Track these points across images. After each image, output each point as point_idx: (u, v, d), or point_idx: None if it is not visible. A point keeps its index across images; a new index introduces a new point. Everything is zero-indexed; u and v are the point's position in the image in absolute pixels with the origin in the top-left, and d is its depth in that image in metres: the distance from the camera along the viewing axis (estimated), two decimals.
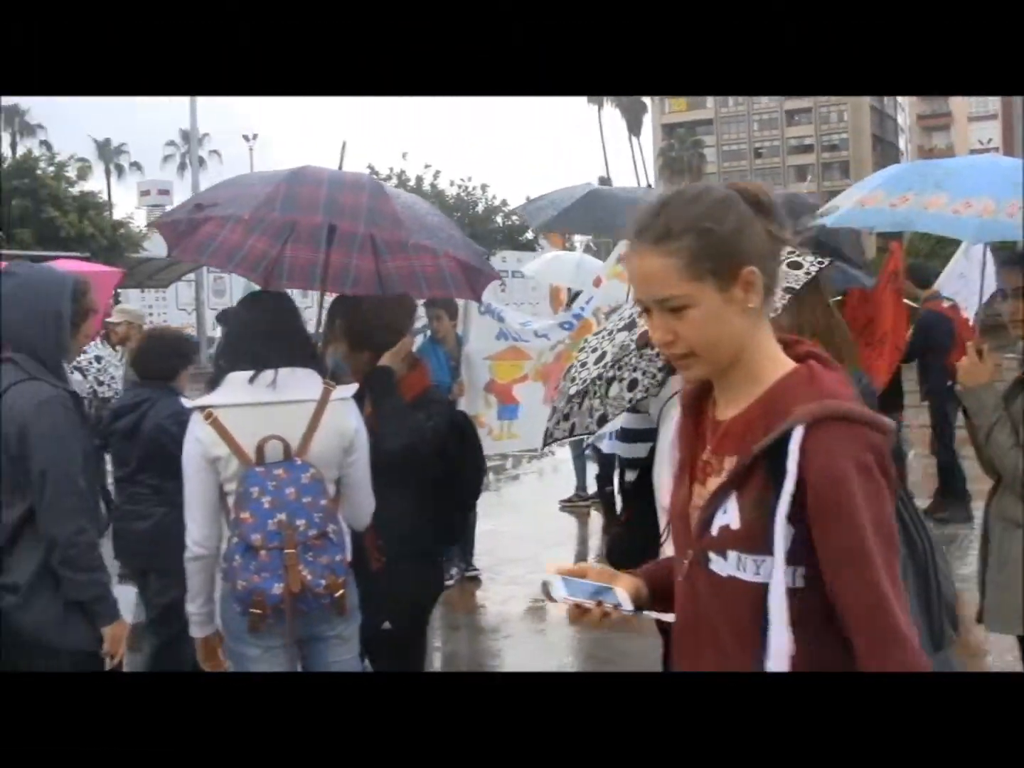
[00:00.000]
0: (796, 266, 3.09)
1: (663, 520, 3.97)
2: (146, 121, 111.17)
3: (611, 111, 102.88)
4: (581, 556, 9.52)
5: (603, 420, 4.08)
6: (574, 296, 9.34)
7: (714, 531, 1.95)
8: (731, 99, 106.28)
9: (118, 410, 5.57)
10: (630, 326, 3.84)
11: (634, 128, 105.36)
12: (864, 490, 1.83)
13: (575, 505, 11.40)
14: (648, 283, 1.96)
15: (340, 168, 4.43)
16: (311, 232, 4.53)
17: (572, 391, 3.97)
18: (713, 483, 2.00)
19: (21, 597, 3.56)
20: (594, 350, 4.00)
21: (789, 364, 2.00)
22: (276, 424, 3.59)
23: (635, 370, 3.84)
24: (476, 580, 8.59)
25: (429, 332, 8.46)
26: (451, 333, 8.09)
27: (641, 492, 4.01)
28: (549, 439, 4.21)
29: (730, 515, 1.93)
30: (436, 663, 6.68)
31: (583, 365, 3.99)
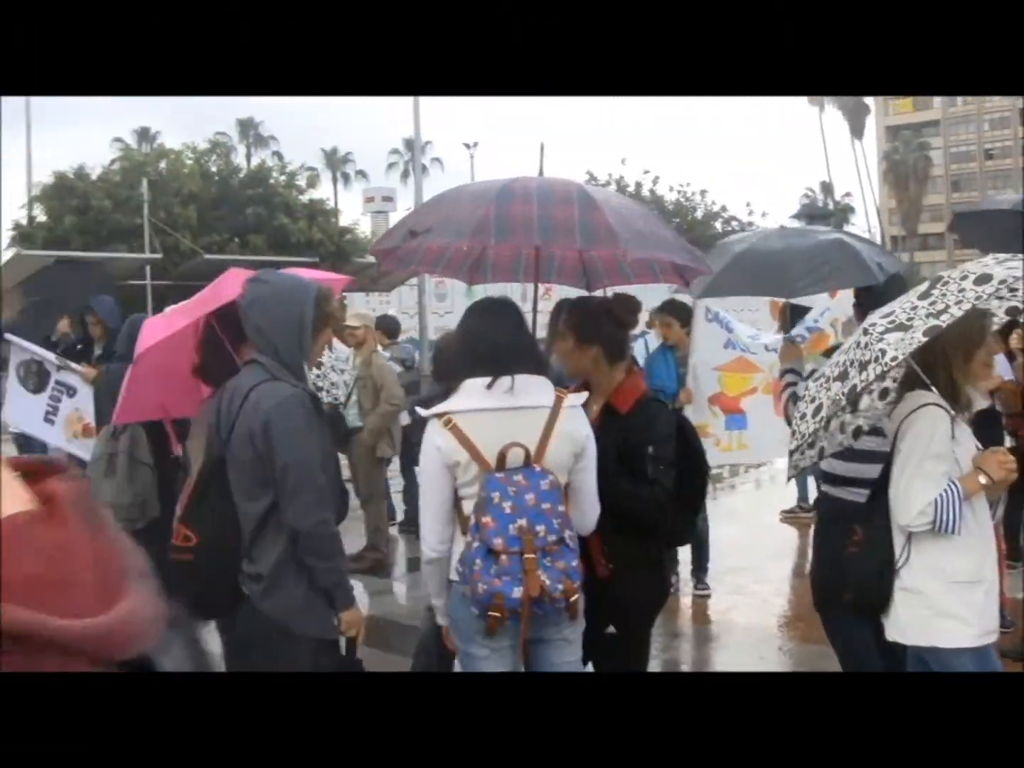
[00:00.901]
0: None
1: (899, 543, 3.89)
2: (371, 130, 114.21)
3: (833, 113, 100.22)
4: (800, 568, 9.33)
5: (858, 432, 4.04)
6: (794, 308, 9.16)
7: None
8: (959, 98, 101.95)
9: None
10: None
11: (856, 130, 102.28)
12: None
13: (796, 517, 11.20)
14: None
15: (541, 171, 4.44)
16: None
17: (815, 414, 3.92)
18: None
19: (265, 585, 3.77)
20: (838, 365, 3.96)
21: None
22: (513, 430, 3.64)
23: (883, 379, 3.80)
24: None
25: (659, 339, 8.43)
26: (683, 340, 8.00)
27: (873, 514, 3.94)
28: (794, 471, 4.18)
29: None
30: (656, 671, 6.65)
31: (824, 386, 3.95)
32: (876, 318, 4.00)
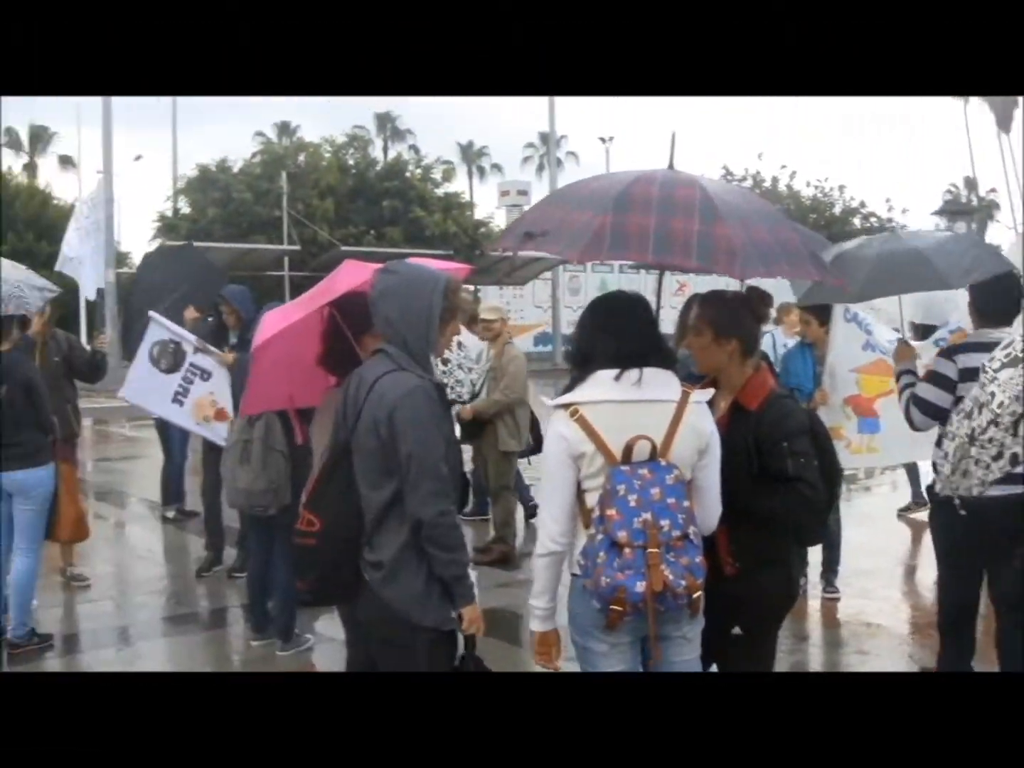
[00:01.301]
0: None
1: None
2: (507, 124, 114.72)
3: (978, 105, 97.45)
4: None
5: (1015, 460, 3.94)
6: (924, 327, 8.93)
7: None
8: None
9: None
10: None
11: (1003, 123, 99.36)
12: None
13: (913, 512, 11.04)
14: None
15: (671, 165, 4.33)
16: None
17: (999, 421, 3.83)
18: None
19: (385, 573, 3.79)
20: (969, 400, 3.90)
21: None
22: (639, 423, 3.60)
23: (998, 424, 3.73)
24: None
25: (787, 335, 8.26)
26: (821, 338, 7.85)
27: None
28: (982, 486, 4.08)
29: None
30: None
31: (993, 395, 3.86)
32: (997, 351, 3.98)
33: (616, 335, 3.72)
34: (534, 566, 3.80)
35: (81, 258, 8.75)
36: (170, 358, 8.57)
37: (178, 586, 9.13)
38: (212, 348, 8.43)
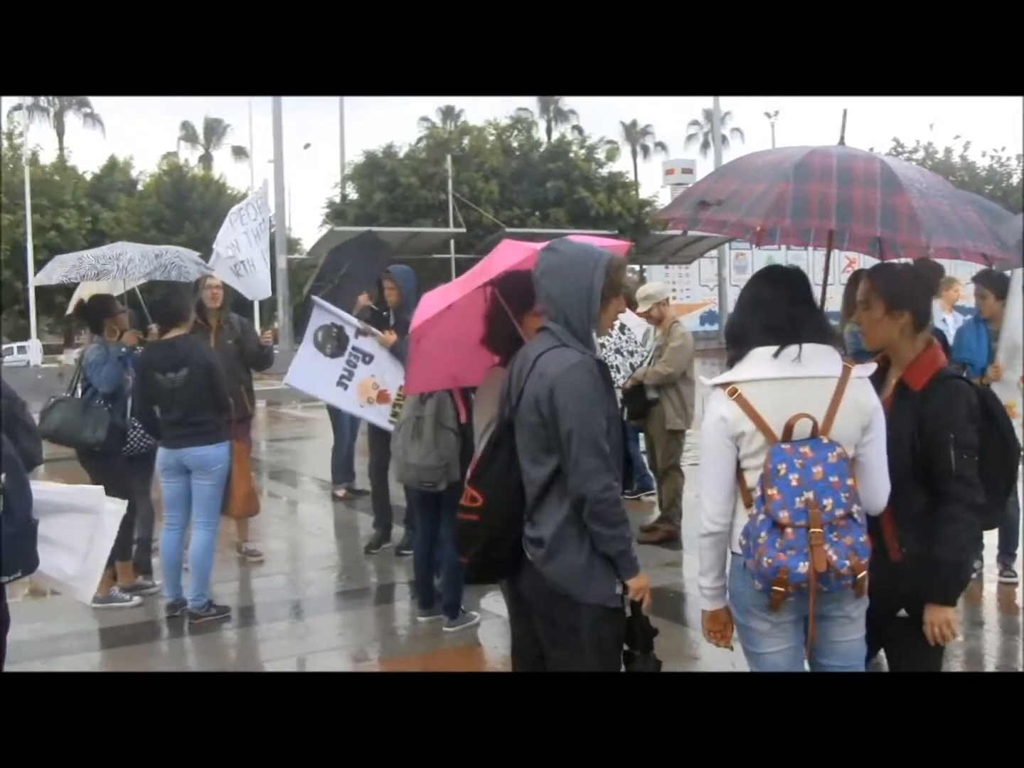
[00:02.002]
0: None
1: None
2: (670, 102, 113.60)
3: None
4: None
5: None
6: None
7: None
8: None
9: None
10: None
11: None
12: None
13: None
14: None
15: (842, 140, 4.23)
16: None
17: None
18: None
19: (547, 550, 3.80)
20: None
21: None
22: (799, 401, 3.53)
23: None
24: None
25: (945, 309, 8.01)
26: (997, 313, 7.56)
27: None
28: None
29: None
30: (956, 663, 6.39)
31: None
32: None
33: (773, 311, 3.65)
34: (699, 545, 3.77)
35: (252, 261, 8.95)
36: (334, 342, 8.74)
37: (348, 562, 9.35)
38: (374, 330, 8.58)
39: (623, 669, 3.92)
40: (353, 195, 39.42)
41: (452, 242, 34.63)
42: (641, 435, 10.46)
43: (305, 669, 6.70)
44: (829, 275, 4.79)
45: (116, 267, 8.06)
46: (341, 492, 11.84)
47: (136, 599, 7.91)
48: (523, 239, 5.32)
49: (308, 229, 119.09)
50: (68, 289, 8.67)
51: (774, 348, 3.57)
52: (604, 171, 41.05)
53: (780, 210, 3.81)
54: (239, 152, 74.62)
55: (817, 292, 3.94)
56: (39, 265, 28.46)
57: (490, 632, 7.09)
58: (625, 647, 3.90)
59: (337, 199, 39.69)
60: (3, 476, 3.52)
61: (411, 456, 6.80)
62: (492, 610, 7.42)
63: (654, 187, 69.35)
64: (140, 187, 48.88)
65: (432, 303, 4.88)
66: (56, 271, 8.29)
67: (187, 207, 43.32)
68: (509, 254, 4.56)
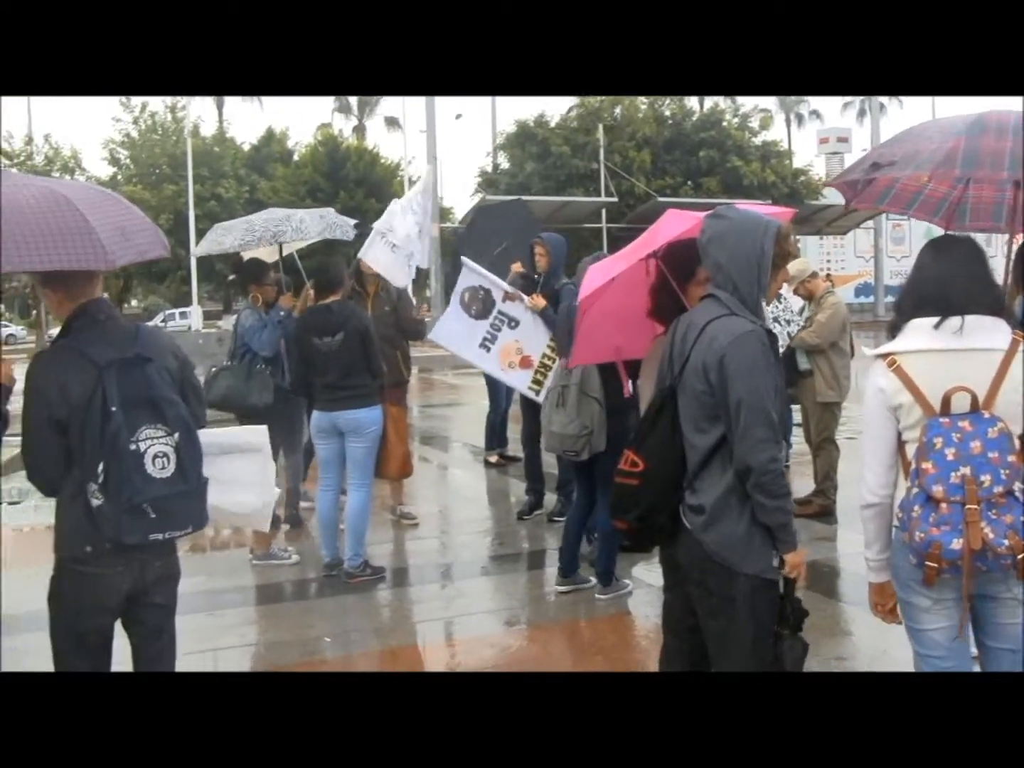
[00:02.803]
0: None
1: None
2: None
3: None
4: None
5: None
6: None
7: None
8: None
9: None
10: None
11: None
12: None
13: None
14: None
15: None
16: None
17: None
18: None
19: (707, 518, 3.76)
20: None
21: None
22: (960, 373, 3.42)
23: None
24: None
25: None
26: None
27: None
28: None
29: None
30: None
31: None
32: None
33: (937, 281, 3.56)
34: (861, 517, 3.70)
35: (415, 252, 9.03)
36: (480, 304, 8.78)
37: (500, 527, 9.44)
38: (522, 294, 8.59)
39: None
40: (505, 164, 39.62)
41: (603, 211, 34.54)
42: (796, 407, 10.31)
43: (456, 632, 6.82)
44: (992, 248, 4.67)
45: (290, 228, 8.16)
46: (494, 458, 11.95)
47: (295, 557, 8.12)
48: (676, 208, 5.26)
49: (460, 198, 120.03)
50: (227, 257, 8.83)
51: (935, 319, 3.48)
52: (757, 140, 40.50)
53: (951, 162, 3.76)
54: (392, 123, 75.56)
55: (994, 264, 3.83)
56: (200, 234, 29.36)
57: (641, 601, 7.07)
58: (775, 627, 3.84)
59: (489, 168, 39.92)
60: (177, 436, 3.65)
61: (554, 424, 6.83)
62: (644, 579, 7.41)
63: (808, 156, 68.05)
64: (296, 157, 49.86)
65: (597, 276, 4.87)
66: (226, 238, 8.38)
67: (341, 176, 43.99)
68: (674, 223, 4.51)
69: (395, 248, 8.77)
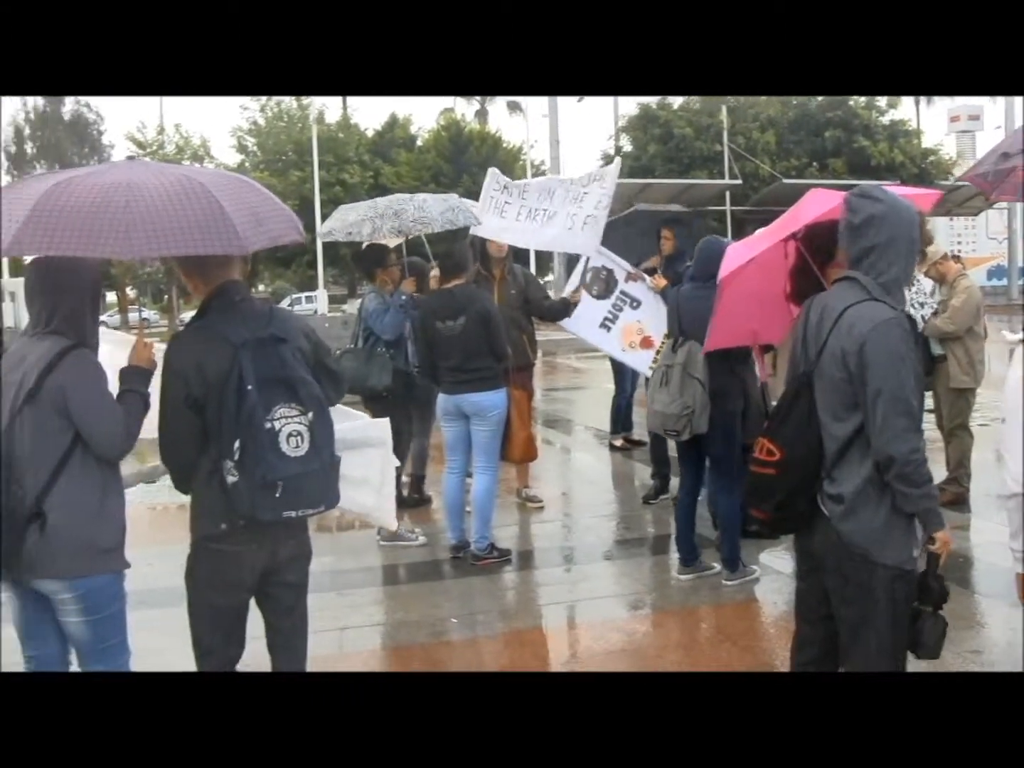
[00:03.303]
0: None
1: None
2: None
3: None
4: None
5: None
6: None
7: None
8: None
9: None
10: None
11: None
12: None
13: None
14: None
15: None
16: None
17: None
18: None
19: (846, 507, 3.69)
20: None
21: None
22: None
23: None
24: None
25: None
26: None
27: None
28: None
29: None
30: None
31: None
32: None
33: None
34: (1006, 507, 3.61)
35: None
36: (602, 284, 8.76)
37: (625, 511, 9.44)
38: (644, 275, 8.54)
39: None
40: (627, 147, 39.41)
41: (728, 194, 34.16)
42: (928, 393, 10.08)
43: (581, 616, 6.82)
44: None
45: (412, 206, 8.16)
46: (619, 442, 11.91)
47: (422, 538, 8.22)
48: (800, 191, 5.16)
49: None
50: (353, 243, 8.90)
51: None
52: (885, 119, 39.68)
53: None
54: (514, 107, 75.55)
55: None
56: (325, 219, 29.71)
57: (769, 588, 6.99)
58: (915, 604, 3.76)
59: (611, 151, 39.73)
60: (311, 415, 3.71)
61: (657, 403, 6.85)
62: (772, 565, 7.33)
63: (938, 135, 66.34)
64: (419, 143, 50.20)
65: (737, 255, 4.81)
66: (365, 227, 8.13)
67: (464, 161, 44.21)
68: (817, 203, 4.43)
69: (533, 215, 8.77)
